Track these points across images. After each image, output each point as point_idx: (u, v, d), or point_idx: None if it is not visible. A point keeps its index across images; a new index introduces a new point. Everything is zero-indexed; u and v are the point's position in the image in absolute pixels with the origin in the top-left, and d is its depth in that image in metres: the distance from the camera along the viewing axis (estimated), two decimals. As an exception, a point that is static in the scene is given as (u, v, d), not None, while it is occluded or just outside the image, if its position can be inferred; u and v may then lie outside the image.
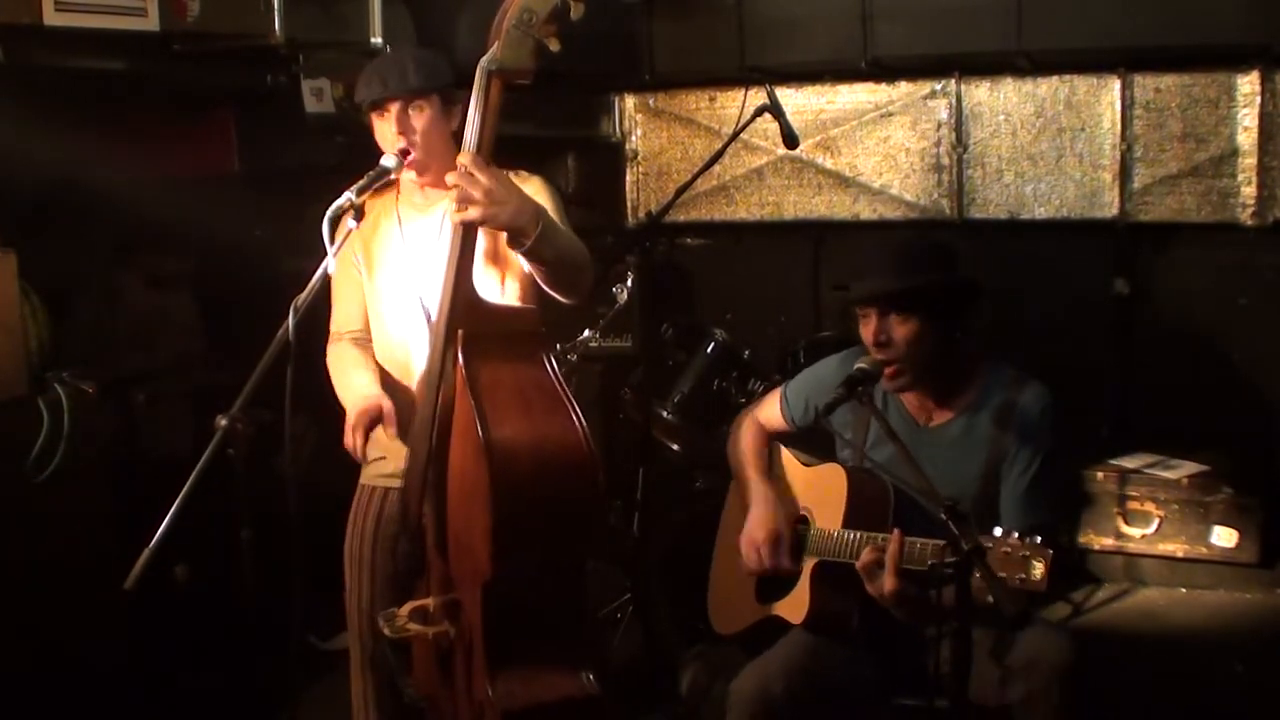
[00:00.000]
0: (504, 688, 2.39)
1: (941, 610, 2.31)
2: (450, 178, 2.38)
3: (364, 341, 2.94)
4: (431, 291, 2.77)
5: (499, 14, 2.38)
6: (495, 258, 2.73)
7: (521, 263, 2.57)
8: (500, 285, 2.74)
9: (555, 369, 2.47)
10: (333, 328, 2.98)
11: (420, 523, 2.60)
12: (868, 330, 2.62)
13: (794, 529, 2.81)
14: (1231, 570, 4.09)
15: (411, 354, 2.82)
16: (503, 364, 2.42)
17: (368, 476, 2.95)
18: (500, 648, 2.41)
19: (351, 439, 2.67)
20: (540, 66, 2.37)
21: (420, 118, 2.71)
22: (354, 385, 2.81)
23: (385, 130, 2.73)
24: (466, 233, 2.42)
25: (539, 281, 2.59)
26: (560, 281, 2.59)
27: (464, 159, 2.37)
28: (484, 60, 2.38)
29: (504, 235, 2.45)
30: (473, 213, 2.35)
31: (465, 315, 2.43)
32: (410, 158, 2.69)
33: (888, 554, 2.37)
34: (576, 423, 2.39)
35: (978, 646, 2.46)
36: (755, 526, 2.84)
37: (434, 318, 2.77)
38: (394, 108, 2.69)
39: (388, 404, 2.70)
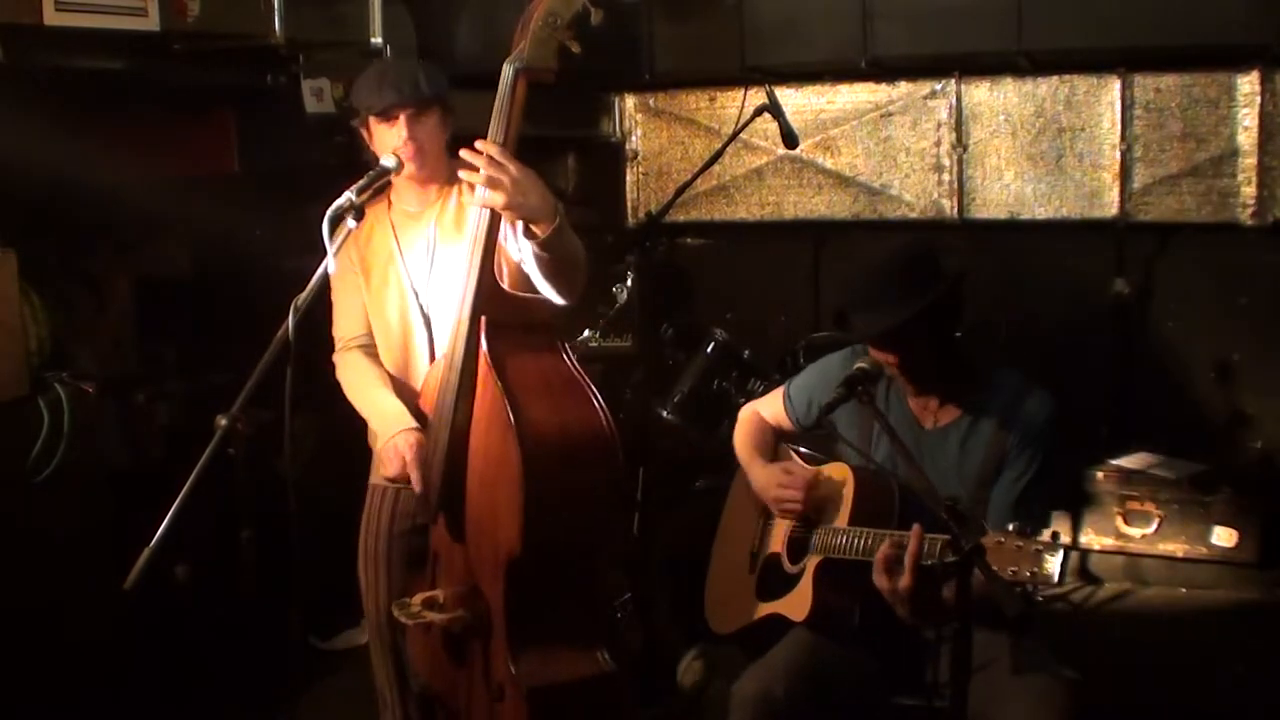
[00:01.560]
0: (527, 666, 2.44)
1: (950, 608, 2.30)
2: (477, 161, 2.42)
3: (372, 350, 2.96)
4: (426, 293, 2.81)
5: (524, 15, 2.47)
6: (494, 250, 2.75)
7: (527, 255, 2.58)
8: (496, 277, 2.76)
9: (571, 355, 2.57)
10: (337, 336, 3.00)
11: (437, 511, 2.62)
12: (881, 355, 2.62)
13: (799, 526, 2.80)
14: (1231, 570, 4.09)
15: (412, 355, 2.86)
16: (524, 350, 2.52)
17: (379, 477, 2.97)
18: (523, 627, 2.46)
19: (399, 464, 2.70)
20: (562, 66, 2.46)
21: (425, 125, 2.77)
22: (381, 406, 2.84)
23: (388, 136, 2.78)
24: (491, 223, 2.49)
25: (540, 276, 2.60)
26: (562, 278, 2.61)
27: (492, 149, 2.42)
28: (510, 59, 2.47)
29: (519, 225, 2.51)
30: (499, 198, 2.40)
31: (488, 303, 2.51)
32: (410, 166, 2.75)
33: (908, 550, 2.36)
34: (597, 405, 2.50)
35: (995, 665, 2.46)
36: (769, 484, 2.84)
37: (432, 318, 2.82)
38: (404, 115, 2.74)
39: (419, 435, 2.74)
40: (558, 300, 2.67)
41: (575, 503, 2.45)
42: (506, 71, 2.47)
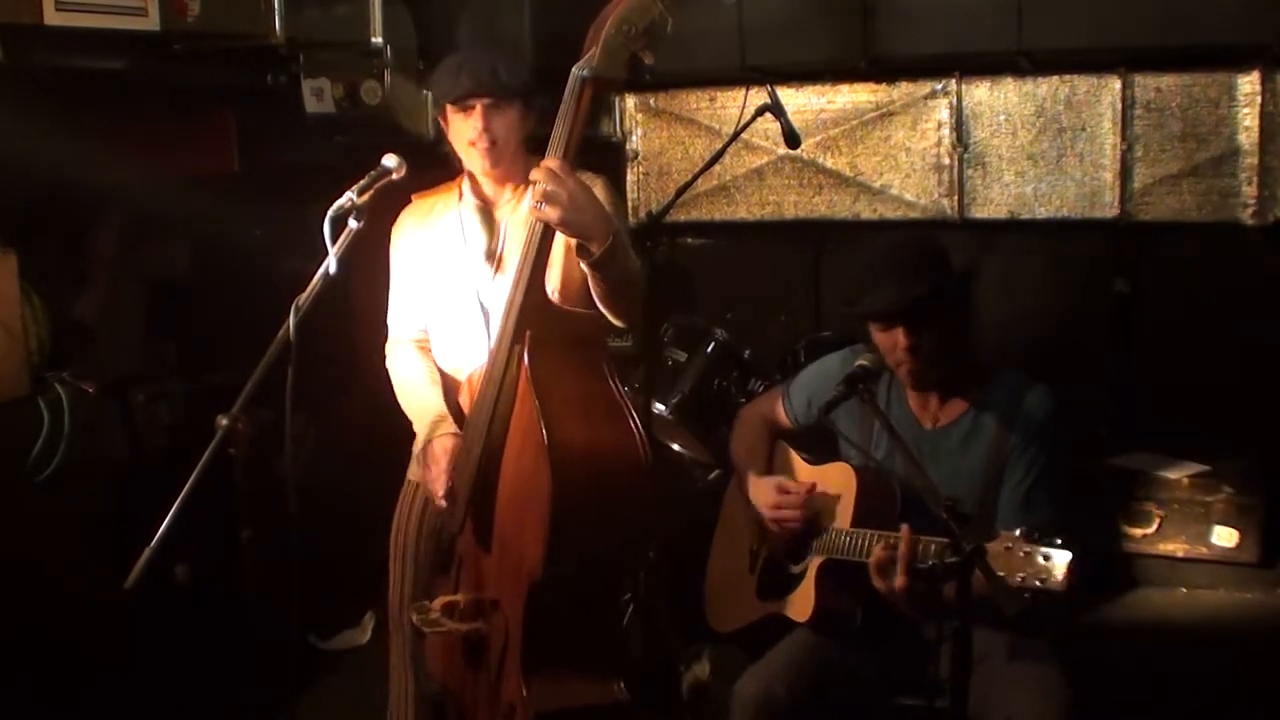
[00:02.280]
0: (538, 689, 2.40)
1: (950, 606, 2.30)
2: (534, 174, 2.37)
3: (425, 345, 2.94)
4: (487, 288, 2.78)
5: (596, 23, 2.38)
6: (554, 262, 2.72)
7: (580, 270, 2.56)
8: (555, 290, 2.73)
9: (616, 377, 2.48)
10: (392, 328, 2.98)
11: (465, 518, 2.61)
12: (888, 339, 2.61)
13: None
14: (1231, 570, 4.08)
15: (466, 347, 2.83)
16: (566, 368, 2.43)
17: (415, 473, 2.96)
18: (538, 649, 2.42)
19: (437, 477, 2.68)
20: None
21: (503, 119, 2.71)
22: (424, 406, 2.82)
23: (463, 127, 2.73)
24: (544, 235, 2.40)
25: (594, 296, 2.57)
26: (615, 301, 2.56)
27: (551, 162, 2.36)
28: (578, 66, 2.37)
29: (573, 243, 2.44)
30: (552, 213, 2.33)
31: (534, 316, 2.43)
32: (484, 164, 2.72)
33: (899, 552, 2.36)
34: (636, 432, 2.42)
35: (994, 658, 2.46)
36: (764, 499, 2.83)
37: (491, 316, 2.77)
38: (480, 106, 2.69)
39: (457, 441, 2.71)
40: (614, 321, 2.62)
41: (603, 531, 2.39)
42: (574, 78, 2.37)
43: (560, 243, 2.57)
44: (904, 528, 2.38)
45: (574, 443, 2.34)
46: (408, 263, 2.89)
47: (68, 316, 4.17)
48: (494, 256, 2.81)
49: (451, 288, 2.84)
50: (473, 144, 2.71)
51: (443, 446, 2.70)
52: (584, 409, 2.41)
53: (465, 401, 2.70)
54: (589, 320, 2.58)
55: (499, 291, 2.73)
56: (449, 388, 2.85)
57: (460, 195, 2.87)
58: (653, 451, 2.46)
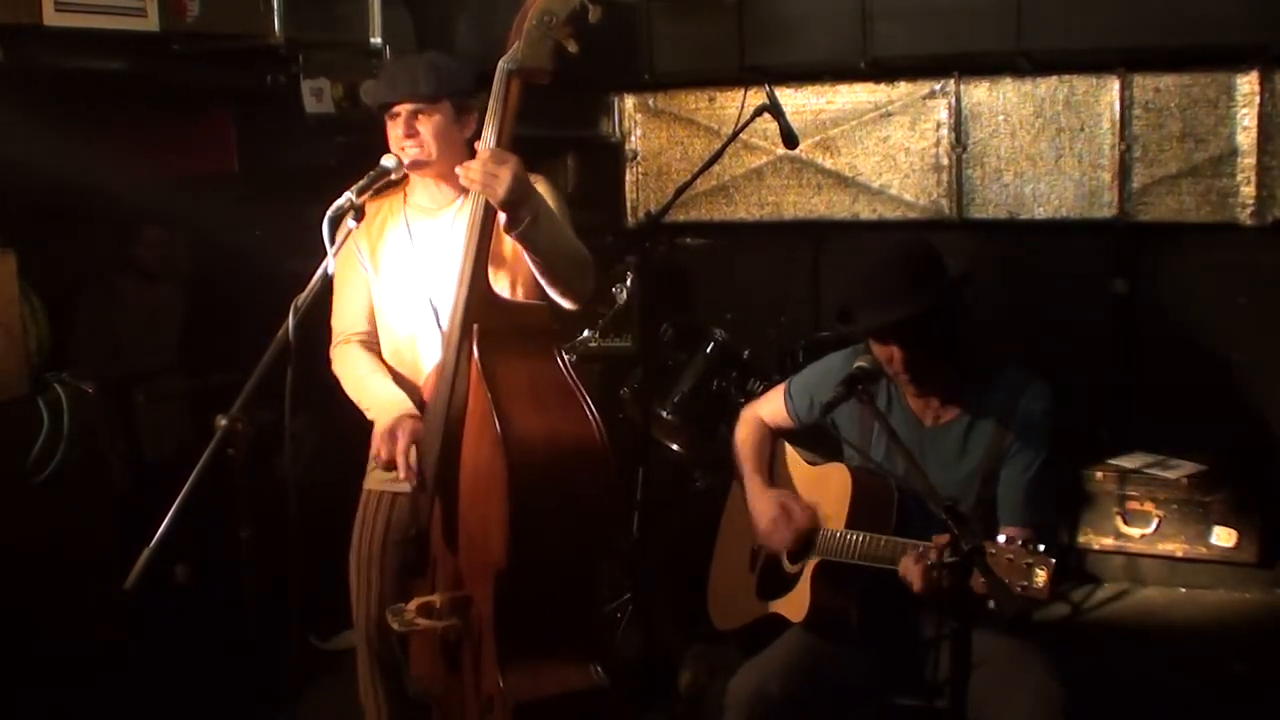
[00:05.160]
0: (515, 680, 2.42)
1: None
2: (459, 169, 2.44)
3: (371, 344, 2.93)
4: (440, 291, 2.79)
5: (519, 15, 2.43)
6: (505, 259, 2.74)
7: (524, 257, 2.58)
8: (509, 287, 2.75)
9: (567, 364, 2.52)
10: (336, 329, 2.96)
11: (429, 520, 2.61)
12: (884, 351, 2.61)
13: (805, 526, 2.80)
14: (1231, 570, 4.09)
15: (420, 354, 2.83)
16: (517, 358, 2.47)
17: (375, 482, 2.94)
18: (512, 640, 2.44)
19: (392, 448, 2.66)
20: (558, 67, 2.44)
21: (428, 123, 2.73)
22: (382, 394, 2.80)
23: (394, 133, 2.76)
24: (483, 231, 2.46)
25: (539, 279, 2.61)
26: (559, 279, 2.61)
27: (483, 152, 2.44)
28: (503, 60, 2.43)
29: (502, 219, 2.48)
30: (498, 191, 2.41)
31: (480, 310, 2.48)
32: (408, 162, 2.72)
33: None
34: (590, 416, 2.45)
35: (989, 665, 2.46)
36: (763, 516, 2.84)
37: (443, 317, 2.77)
38: (404, 112, 2.72)
39: (417, 423, 2.70)
40: (564, 304, 2.66)
41: (564, 517, 2.41)
42: (500, 71, 2.44)
43: (508, 244, 2.62)
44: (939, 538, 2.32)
45: (528, 433, 2.37)
46: (353, 266, 2.89)
47: (70, 317, 4.18)
48: (444, 256, 2.81)
49: (402, 291, 2.84)
50: (402, 149, 2.73)
51: (403, 427, 2.68)
52: (537, 398, 2.44)
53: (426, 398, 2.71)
54: (536, 310, 2.61)
55: (451, 291, 2.73)
56: (402, 389, 2.85)
57: (406, 199, 2.88)
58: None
